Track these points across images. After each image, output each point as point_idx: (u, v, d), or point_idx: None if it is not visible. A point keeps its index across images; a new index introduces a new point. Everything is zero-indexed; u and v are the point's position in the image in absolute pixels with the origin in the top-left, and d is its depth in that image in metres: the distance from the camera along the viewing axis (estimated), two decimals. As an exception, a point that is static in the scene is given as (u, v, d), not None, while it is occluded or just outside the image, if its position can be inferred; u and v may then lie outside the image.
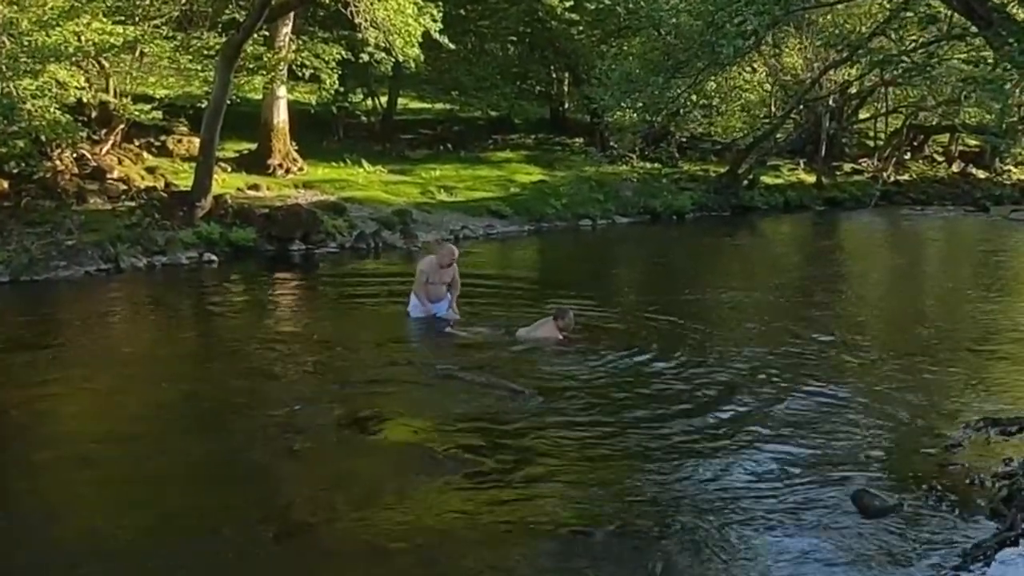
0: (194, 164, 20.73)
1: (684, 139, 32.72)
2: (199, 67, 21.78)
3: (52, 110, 17.85)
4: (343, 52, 24.15)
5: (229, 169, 23.26)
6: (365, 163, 26.35)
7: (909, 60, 19.25)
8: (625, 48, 26.98)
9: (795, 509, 7.28)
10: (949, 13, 15.91)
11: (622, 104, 20.63)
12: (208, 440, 8.81)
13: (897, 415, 9.48)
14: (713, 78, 26.82)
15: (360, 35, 22.53)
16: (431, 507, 7.33)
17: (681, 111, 27.30)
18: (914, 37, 20.10)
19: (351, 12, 21.55)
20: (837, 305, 16.07)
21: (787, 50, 33.41)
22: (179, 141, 23.78)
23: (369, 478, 7.94)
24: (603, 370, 11.16)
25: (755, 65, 32.29)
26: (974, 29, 11.49)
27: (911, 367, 11.41)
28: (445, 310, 13.30)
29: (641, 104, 19.02)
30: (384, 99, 30.99)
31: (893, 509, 7.18)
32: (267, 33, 22.76)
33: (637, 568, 6.47)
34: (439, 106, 33.42)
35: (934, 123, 38.21)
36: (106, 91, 20.86)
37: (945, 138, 40.32)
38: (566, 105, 35.03)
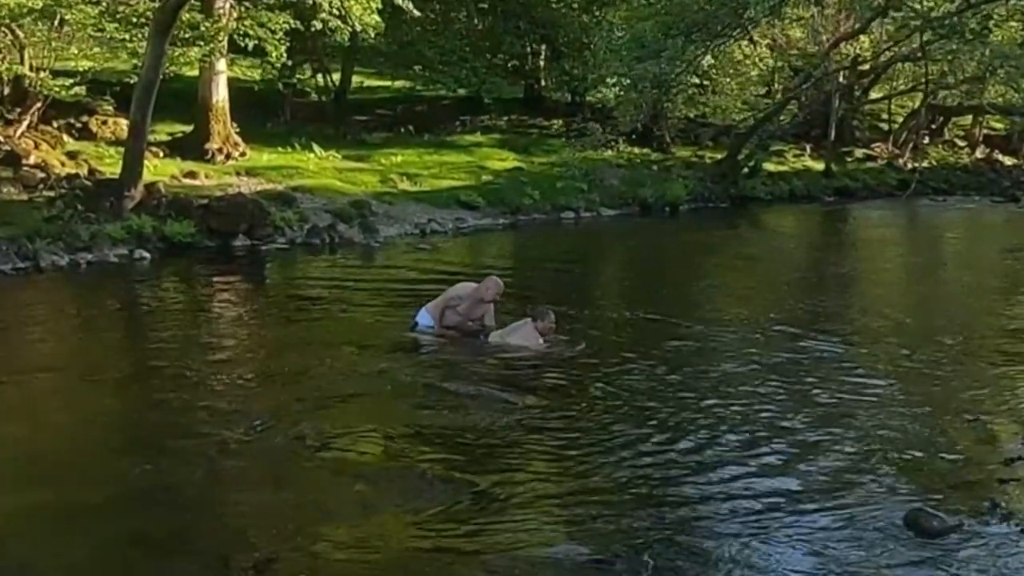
0: (122, 148, 20.48)
1: (678, 120, 32.64)
2: (127, 37, 21.52)
3: (-41, 86, 17.61)
4: (291, 21, 23.90)
5: (162, 154, 22.98)
6: (316, 148, 26.10)
7: (957, 21, 18.92)
8: (614, 21, 26.86)
9: (836, 532, 7.17)
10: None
11: (627, 74, 20.34)
12: (149, 462, 8.50)
13: (946, 425, 9.43)
14: (711, 53, 26.85)
15: (311, 1, 22.32)
16: (415, 533, 7.16)
17: (686, 84, 27.18)
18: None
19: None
20: (859, 307, 16.03)
21: (793, 24, 33.54)
22: (104, 122, 23.56)
23: (345, 501, 7.75)
24: (598, 378, 11.05)
25: (756, 38, 32.29)
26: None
27: (953, 373, 11.38)
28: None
29: (654, 73, 18.70)
30: (337, 76, 30.77)
31: (953, 530, 7.08)
32: (205, -2, 22.52)
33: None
34: (399, 84, 33.20)
35: (955, 104, 38.37)
36: (21, 64, 20.56)
37: (967, 120, 40.53)
38: (543, 82, 34.91)
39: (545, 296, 15.03)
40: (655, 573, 6.60)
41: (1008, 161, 38.49)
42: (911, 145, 36.31)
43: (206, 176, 22.49)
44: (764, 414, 9.80)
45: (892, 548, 6.89)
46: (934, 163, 37.04)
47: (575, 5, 32.17)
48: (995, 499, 7.61)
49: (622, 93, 25.49)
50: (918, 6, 20.14)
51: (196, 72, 24.20)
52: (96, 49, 22.35)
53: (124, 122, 21.29)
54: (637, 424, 9.50)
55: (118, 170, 19.84)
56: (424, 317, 12.83)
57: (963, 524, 7.17)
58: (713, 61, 28.57)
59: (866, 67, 34.90)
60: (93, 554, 6.85)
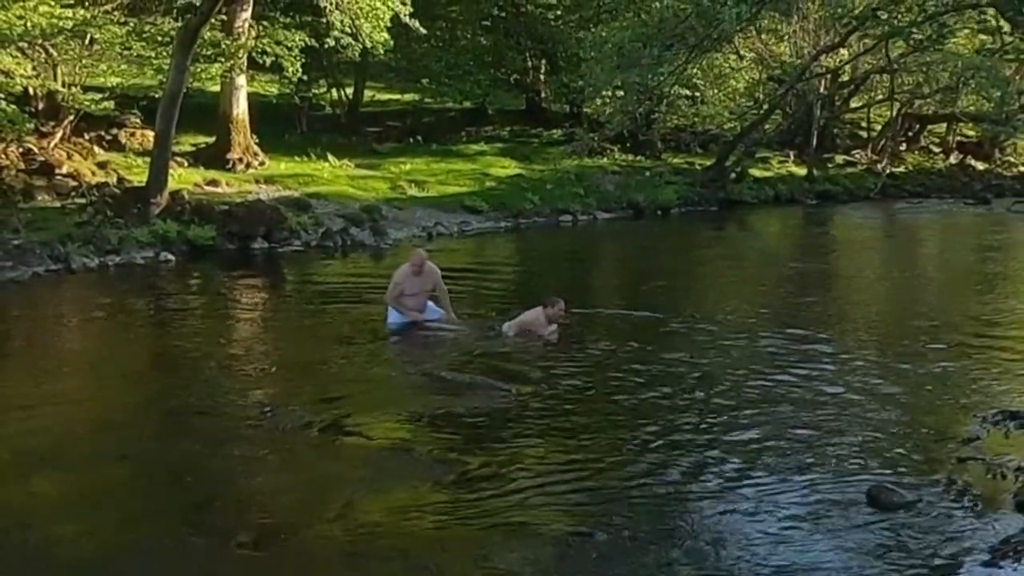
0: (148, 158, 20.59)
1: (668, 129, 32.70)
2: (153, 54, 21.63)
3: (-3, 100, 17.69)
4: (307, 38, 24.01)
5: (186, 164, 23.11)
6: (330, 157, 26.23)
7: (920, 32, 19.03)
8: (605, 34, 26.87)
9: (806, 507, 7.24)
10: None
11: (612, 83, 20.40)
12: (173, 445, 8.66)
13: (909, 410, 9.48)
14: (698, 65, 26.91)
15: (325, 19, 22.40)
16: (417, 511, 7.22)
17: (671, 94, 27.22)
18: (919, 7, 19.91)
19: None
20: (836, 301, 16.09)
21: (775, 39, 33.58)
22: (132, 134, 23.68)
23: (348, 482, 7.81)
24: (593, 368, 11.11)
25: (742, 51, 32.35)
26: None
27: (919, 362, 11.37)
28: (434, 316, 12.99)
29: (634, 80, 18.76)
30: (350, 90, 30.88)
31: (912, 504, 7.15)
32: (225, 18, 22.58)
33: (641, 570, 6.40)
34: (408, 97, 33.30)
35: (930, 112, 38.40)
36: (54, 80, 20.65)
37: (942, 128, 40.54)
38: (543, 95, 34.98)
39: (543, 292, 15.05)
40: (626, 545, 6.69)
41: (980, 166, 38.50)
42: (889, 151, 36.29)
43: (227, 184, 22.60)
44: (742, 400, 9.83)
45: (853, 521, 6.96)
46: (910, 168, 37.07)
47: (572, 22, 32.24)
48: (952, 476, 7.68)
49: (609, 98, 25.50)
50: (884, 16, 20.26)
51: (218, 87, 24.30)
52: (124, 66, 22.37)
53: (150, 134, 21.37)
54: (623, 411, 9.57)
55: (145, 179, 19.94)
56: (392, 315, 12.89)
57: (921, 499, 7.24)
58: (698, 73, 28.64)
59: (845, 78, 34.96)
60: (116, 529, 6.92)
